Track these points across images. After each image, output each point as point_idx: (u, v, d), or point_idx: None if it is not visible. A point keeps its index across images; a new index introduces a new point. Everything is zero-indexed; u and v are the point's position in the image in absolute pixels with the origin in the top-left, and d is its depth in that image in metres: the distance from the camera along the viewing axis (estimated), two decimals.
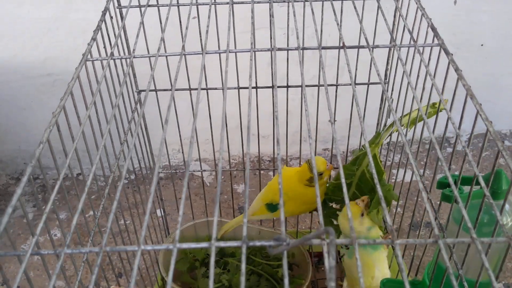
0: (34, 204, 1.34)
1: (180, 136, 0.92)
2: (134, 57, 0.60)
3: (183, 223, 1.16)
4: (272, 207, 0.88)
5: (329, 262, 0.30)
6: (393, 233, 0.38)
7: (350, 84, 0.75)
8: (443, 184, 0.59)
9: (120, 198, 0.75)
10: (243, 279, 0.34)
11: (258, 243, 0.38)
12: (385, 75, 0.83)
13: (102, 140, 0.54)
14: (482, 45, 1.26)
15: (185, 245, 0.38)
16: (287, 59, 0.80)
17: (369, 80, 0.83)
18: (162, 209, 1.05)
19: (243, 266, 0.35)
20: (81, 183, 1.35)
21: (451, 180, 0.46)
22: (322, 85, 0.81)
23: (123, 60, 0.75)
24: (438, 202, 0.61)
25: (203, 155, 1.41)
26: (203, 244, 0.38)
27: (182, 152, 0.97)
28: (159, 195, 1.01)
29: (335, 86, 0.84)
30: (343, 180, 0.43)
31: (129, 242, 0.86)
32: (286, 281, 0.34)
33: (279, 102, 0.83)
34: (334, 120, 0.50)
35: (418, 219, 1.21)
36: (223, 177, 1.40)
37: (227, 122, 0.87)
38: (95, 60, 0.60)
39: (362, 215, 0.75)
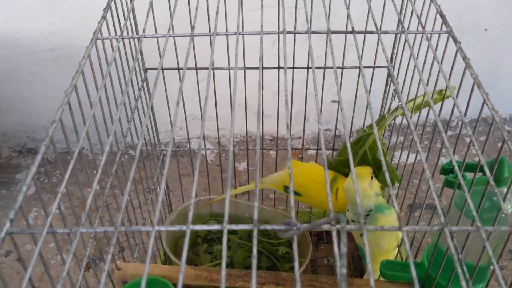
0: (37, 177, 1.35)
1: (185, 112, 0.93)
2: (144, 37, 0.60)
3: (185, 201, 1.18)
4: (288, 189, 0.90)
5: (340, 249, 0.31)
6: (400, 220, 0.39)
7: (357, 67, 0.75)
8: (446, 170, 0.60)
9: (124, 174, 0.76)
10: (254, 262, 0.36)
11: (269, 227, 0.39)
12: (391, 58, 0.83)
13: (113, 125, 0.55)
14: (486, 29, 1.26)
15: (197, 227, 0.40)
16: (294, 40, 0.80)
17: (374, 63, 0.84)
18: (165, 186, 1.06)
19: (255, 249, 0.36)
20: (84, 158, 1.36)
21: (456, 167, 0.47)
22: (329, 67, 0.82)
23: (131, 38, 0.75)
24: (441, 188, 0.63)
25: (206, 133, 1.41)
26: (216, 226, 0.39)
27: (187, 130, 0.97)
28: (162, 173, 1.02)
29: (341, 69, 0.84)
30: (350, 157, 0.43)
31: (133, 218, 0.88)
32: (296, 264, 0.35)
33: (282, 82, 0.83)
34: (339, 105, 0.50)
35: (416, 201, 1.22)
36: (224, 155, 1.41)
37: (232, 100, 0.87)
38: (105, 39, 0.60)
39: (372, 178, 0.75)
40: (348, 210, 0.79)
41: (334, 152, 1.00)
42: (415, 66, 0.64)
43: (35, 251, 0.39)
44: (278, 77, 0.86)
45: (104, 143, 0.52)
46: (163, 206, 1.05)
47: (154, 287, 0.71)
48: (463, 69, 0.55)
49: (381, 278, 0.75)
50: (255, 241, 0.37)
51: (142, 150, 0.94)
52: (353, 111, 0.93)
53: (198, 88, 0.89)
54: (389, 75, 0.85)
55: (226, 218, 0.39)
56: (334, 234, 0.37)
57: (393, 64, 0.84)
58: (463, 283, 0.38)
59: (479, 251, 0.66)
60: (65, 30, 1.18)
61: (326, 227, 0.37)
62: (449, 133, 1.44)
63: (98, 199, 0.69)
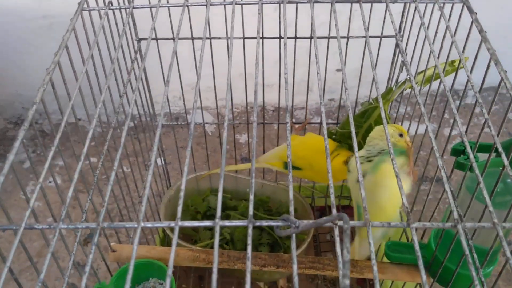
0: (33, 149, 1.32)
1: (181, 83, 0.89)
2: (134, 8, 0.56)
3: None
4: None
5: (343, 256, 0.27)
6: (409, 216, 0.36)
7: (363, 37, 0.70)
8: (457, 151, 0.57)
9: (120, 146, 0.72)
10: (249, 263, 0.32)
11: (265, 223, 0.36)
12: (399, 28, 0.78)
13: (102, 95, 0.51)
14: None
15: (187, 223, 0.36)
16: (296, 9, 0.75)
17: (382, 33, 0.79)
18: (163, 159, 1.03)
19: (249, 249, 0.33)
20: (81, 129, 1.32)
21: (468, 148, 0.44)
22: (333, 37, 0.77)
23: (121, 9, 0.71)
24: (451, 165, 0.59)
25: (205, 103, 1.37)
26: (207, 223, 0.36)
27: (183, 100, 0.93)
28: (159, 147, 0.99)
29: (346, 39, 0.79)
30: (352, 129, 0.40)
31: (128, 191, 0.85)
32: (295, 267, 0.32)
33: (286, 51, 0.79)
34: (343, 79, 0.46)
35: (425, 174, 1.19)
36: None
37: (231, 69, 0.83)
38: (91, 10, 0.56)
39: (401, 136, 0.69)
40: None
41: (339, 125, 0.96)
42: (425, 37, 0.59)
43: (13, 246, 0.36)
44: (280, 48, 0.81)
45: (92, 115, 0.48)
46: (161, 180, 1.02)
47: (149, 270, 0.68)
48: (479, 42, 0.50)
49: (385, 260, 0.73)
50: (249, 240, 0.34)
51: (137, 122, 0.91)
52: (359, 81, 0.88)
53: (195, 59, 0.84)
54: (397, 45, 0.81)
55: (218, 214, 0.36)
56: (336, 233, 0.34)
57: (401, 34, 0.79)
58: (474, 274, 0.35)
59: (489, 233, 0.62)
60: None
61: (327, 224, 0.34)
62: (458, 102, 1.39)
63: (92, 174, 0.65)
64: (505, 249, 0.33)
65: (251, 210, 0.36)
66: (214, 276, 0.31)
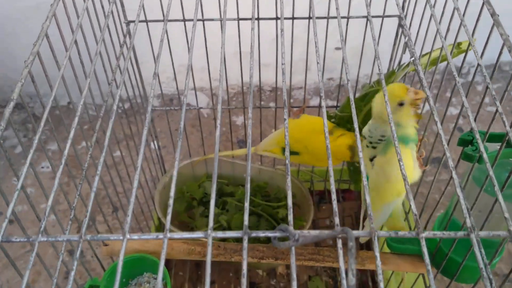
0: (24, 134, 1.28)
1: (172, 63, 0.85)
2: None
3: (180, 160, 1.12)
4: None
5: (347, 280, 0.25)
6: (418, 224, 0.33)
7: (364, 17, 0.67)
8: (465, 141, 0.53)
9: (114, 129, 0.70)
10: (244, 281, 0.30)
11: (261, 234, 0.33)
12: (403, 7, 0.74)
13: (87, 80, 0.48)
14: None
15: (176, 235, 0.33)
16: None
17: (384, 12, 0.75)
18: (156, 144, 1.00)
19: (245, 265, 0.30)
20: (73, 112, 1.29)
21: (478, 138, 0.41)
22: (332, 17, 0.73)
23: None
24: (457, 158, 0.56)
25: (200, 84, 1.33)
26: (199, 234, 0.33)
27: (176, 81, 0.90)
28: (153, 131, 0.96)
29: (346, 19, 0.75)
30: (353, 109, 0.37)
31: (125, 175, 0.82)
32: (294, 283, 0.29)
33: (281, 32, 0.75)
34: (344, 61, 0.43)
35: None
36: (222, 107, 1.34)
37: (226, 49, 0.78)
38: None
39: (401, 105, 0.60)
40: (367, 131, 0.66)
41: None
42: (431, 16, 0.56)
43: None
44: (276, 29, 0.77)
45: (76, 104, 0.45)
46: (154, 165, 0.99)
47: (143, 265, 0.66)
48: (491, 27, 0.46)
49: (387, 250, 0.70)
50: (245, 254, 0.31)
51: (128, 106, 0.88)
52: (360, 59, 0.84)
53: (187, 41, 0.80)
54: (400, 25, 0.77)
55: (211, 224, 0.33)
56: (339, 245, 0.31)
57: (405, 13, 0.75)
58: (484, 273, 0.32)
59: (497, 223, 0.60)
60: None
61: (327, 236, 0.31)
62: (461, 80, 1.35)
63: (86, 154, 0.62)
64: None
65: (246, 220, 0.33)
66: (207, 279, 0.28)
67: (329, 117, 0.85)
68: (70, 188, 1.16)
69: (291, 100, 1.31)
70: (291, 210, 0.33)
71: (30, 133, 1.26)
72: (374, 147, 0.63)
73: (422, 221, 0.75)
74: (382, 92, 0.58)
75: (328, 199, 1.03)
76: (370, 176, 0.65)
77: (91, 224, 1.11)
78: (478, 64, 0.46)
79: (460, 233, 0.32)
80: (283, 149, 0.83)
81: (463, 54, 0.64)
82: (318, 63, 0.45)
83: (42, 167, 1.21)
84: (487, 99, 1.32)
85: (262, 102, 1.31)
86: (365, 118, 0.77)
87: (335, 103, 0.91)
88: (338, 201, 1.01)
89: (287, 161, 0.36)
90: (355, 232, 0.31)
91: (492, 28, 0.46)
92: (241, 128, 1.24)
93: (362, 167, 0.36)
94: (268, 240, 0.88)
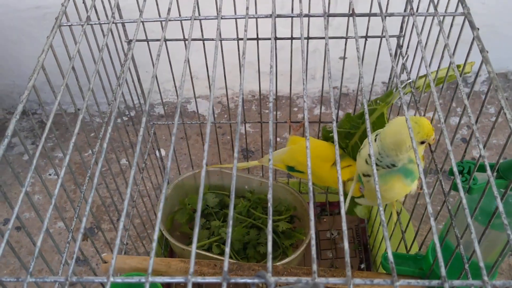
0: (32, 141, 1.30)
1: (173, 75, 0.86)
2: (114, 23, 0.52)
3: (182, 168, 1.13)
4: (291, 168, 0.84)
5: None
6: (393, 272, 0.34)
7: (363, 37, 0.67)
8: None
9: (120, 137, 0.71)
10: None
11: (240, 280, 0.34)
12: (401, 28, 0.74)
13: (85, 100, 0.49)
14: None
15: (158, 279, 0.34)
16: (292, 24, 0.72)
17: (382, 33, 0.75)
18: (159, 152, 1.01)
19: None
20: (82, 120, 1.31)
21: (458, 178, 0.41)
22: (330, 37, 0.73)
23: (108, 13, 0.68)
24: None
25: (205, 92, 1.35)
26: (179, 279, 0.34)
27: (176, 92, 0.91)
28: (155, 144, 0.97)
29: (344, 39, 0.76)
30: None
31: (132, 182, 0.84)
32: None
33: (280, 42, 0.75)
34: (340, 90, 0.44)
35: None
36: (226, 115, 1.35)
37: (225, 58, 0.79)
38: (70, 25, 0.53)
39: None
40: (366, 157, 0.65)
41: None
42: (424, 48, 0.56)
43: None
44: (275, 47, 0.78)
45: (90, 106, 0.46)
46: (156, 175, 1.00)
47: (141, 285, 0.67)
48: (479, 64, 0.47)
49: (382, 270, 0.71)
50: None
51: (137, 110, 0.89)
52: (360, 66, 0.84)
53: (188, 62, 0.81)
54: (398, 45, 0.77)
55: (192, 269, 0.34)
56: None
57: (403, 32, 0.75)
58: None
59: (487, 250, 0.60)
60: None
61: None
62: (467, 90, 1.35)
63: (94, 165, 0.64)
64: None
65: (226, 266, 0.34)
66: None
67: (327, 132, 0.85)
68: (76, 196, 1.18)
69: (295, 109, 1.32)
70: (270, 256, 0.34)
71: (38, 140, 1.29)
72: (377, 169, 0.63)
73: (417, 242, 0.75)
74: (403, 122, 0.58)
75: (329, 211, 1.03)
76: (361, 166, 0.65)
77: (97, 231, 1.13)
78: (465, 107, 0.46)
79: (434, 282, 0.33)
80: (288, 167, 0.84)
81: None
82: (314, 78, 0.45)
83: (50, 174, 1.23)
84: (492, 109, 1.31)
85: (266, 111, 1.32)
86: (362, 136, 0.78)
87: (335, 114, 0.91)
88: (339, 213, 1.02)
89: (269, 204, 0.36)
90: (331, 280, 0.32)
91: (481, 64, 0.46)
92: (245, 137, 1.25)
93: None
94: (261, 257, 0.90)
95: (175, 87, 0.89)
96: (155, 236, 0.35)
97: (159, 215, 0.37)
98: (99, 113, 0.67)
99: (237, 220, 0.94)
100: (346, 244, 0.35)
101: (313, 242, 0.35)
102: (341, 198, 0.37)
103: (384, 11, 0.50)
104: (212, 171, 0.99)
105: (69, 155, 0.44)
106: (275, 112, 1.32)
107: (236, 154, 0.42)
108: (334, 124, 0.41)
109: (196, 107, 0.99)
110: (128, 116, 1.30)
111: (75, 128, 0.46)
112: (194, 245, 0.35)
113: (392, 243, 0.84)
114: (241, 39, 0.77)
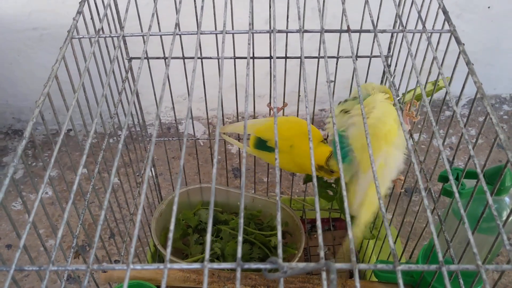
0: (22, 161, 1.31)
1: (171, 94, 0.89)
2: (124, 36, 0.56)
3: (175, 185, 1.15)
4: (261, 143, 0.77)
5: None
6: (395, 257, 0.36)
7: (350, 57, 0.71)
8: (445, 178, 0.57)
9: (112, 157, 0.72)
10: None
11: (254, 266, 0.36)
12: (389, 48, 0.79)
13: (93, 123, 0.51)
14: (489, 7, 1.21)
15: (176, 266, 0.37)
16: (286, 36, 0.76)
17: (371, 53, 0.80)
18: (154, 172, 1.03)
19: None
20: (71, 139, 1.32)
21: (453, 184, 0.44)
22: (322, 57, 0.77)
23: (113, 30, 0.71)
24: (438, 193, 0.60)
25: (197, 113, 1.38)
26: (196, 265, 0.36)
27: (174, 111, 0.93)
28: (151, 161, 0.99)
29: (336, 59, 0.80)
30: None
31: (123, 202, 0.85)
32: None
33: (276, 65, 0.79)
34: (333, 86, 0.47)
35: (413, 185, 1.20)
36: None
37: (223, 81, 0.83)
38: (81, 38, 0.56)
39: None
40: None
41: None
42: (413, 64, 0.60)
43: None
44: (270, 67, 0.82)
45: (87, 125, 0.48)
46: (152, 192, 1.02)
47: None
48: (466, 76, 0.51)
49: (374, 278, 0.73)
50: (238, 284, 0.34)
51: (131, 131, 0.91)
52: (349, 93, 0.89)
53: (186, 78, 0.84)
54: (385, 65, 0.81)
55: (207, 256, 0.36)
56: (323, 277, 0.35)
57: (391, 53, 0.79)
58: None
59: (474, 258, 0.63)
60: (48, 8, 1.13)
61: (313, 266, 0.35)
62: (448, 113, 1.40)
63: (88, 183, 0.65)
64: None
65: (239, 253, 0.36)
66: None
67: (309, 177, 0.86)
68: (71, 214, 1.19)
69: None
70: (281, 244, 0.36)
71: (30, 159, 1.30)
72: (347, 111, 0.66)
73: (407, 251, 0.78)
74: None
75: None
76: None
77: (88, 249, 1.14)
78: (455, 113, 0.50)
79: (433, 266, 0.36)
80: (257, 139, 0.78)
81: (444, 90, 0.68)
82: (306, 102, 0.48)
83: (46, 193, 1.24)
84: (473, 131, 1.36)
85: None
86: None
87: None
88: (329, 229, 1.04)
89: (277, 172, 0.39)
90: (338, 265, 0.35)
91: (467, 76, 0.50)
92: (236, 156, 1.28)
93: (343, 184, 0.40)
94: (262, 258, 0.91)
95: (173, 103, 0.91)
96: (172, 226, 0.38)
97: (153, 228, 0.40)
98: (96, 133, 0.69)
99: (230, 235, 0.96)
100: (350, 234, 0.37)
101: (319, 231, 0.37)
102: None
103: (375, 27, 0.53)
104: (204, 188, 1.01)
105: (48, 173, 0.46)
106: None
107: (215, 170, 0.44)
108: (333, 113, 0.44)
109: (193, 126, 1.02)
110: (121, 136, 1.32)
111: (68, 147, 0.48)
112: (209, 228, 0.37)
113: (381, 256, 0.87)
114: (244, 57, 0.80)
